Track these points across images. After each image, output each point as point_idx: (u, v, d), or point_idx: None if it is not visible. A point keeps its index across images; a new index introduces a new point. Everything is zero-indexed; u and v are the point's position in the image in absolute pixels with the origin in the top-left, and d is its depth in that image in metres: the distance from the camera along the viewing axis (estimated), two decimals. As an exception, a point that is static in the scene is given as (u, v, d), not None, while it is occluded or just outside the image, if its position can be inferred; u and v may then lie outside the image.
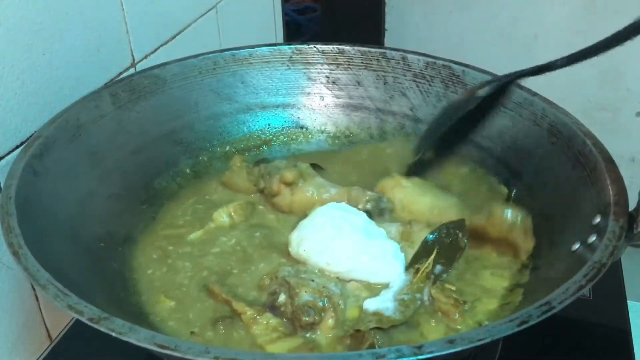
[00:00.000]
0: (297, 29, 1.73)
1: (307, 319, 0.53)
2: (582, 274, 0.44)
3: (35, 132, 0.63)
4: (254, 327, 0.54)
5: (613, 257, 0.46)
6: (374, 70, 0.80)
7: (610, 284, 0.51)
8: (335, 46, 0.81)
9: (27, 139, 0.63)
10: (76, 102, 0.66)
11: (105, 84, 0.72)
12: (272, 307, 0.56)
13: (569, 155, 0.62)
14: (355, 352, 0.38)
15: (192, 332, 0.54)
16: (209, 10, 0.98)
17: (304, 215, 0.65)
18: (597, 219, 0.52)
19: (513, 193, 0.69)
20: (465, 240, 0.61)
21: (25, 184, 0.54)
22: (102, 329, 0.40)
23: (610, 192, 0.53)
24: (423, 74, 0.78)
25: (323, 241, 0.59)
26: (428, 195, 0.68)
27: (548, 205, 0.62)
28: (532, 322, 0.40)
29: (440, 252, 0.59)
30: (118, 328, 0.40)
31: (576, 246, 0.52)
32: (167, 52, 0.86)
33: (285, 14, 1.33)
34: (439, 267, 0.58)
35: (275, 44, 0.81)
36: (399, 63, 0.79)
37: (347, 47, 0.81)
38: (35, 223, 0.52)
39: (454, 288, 0.57)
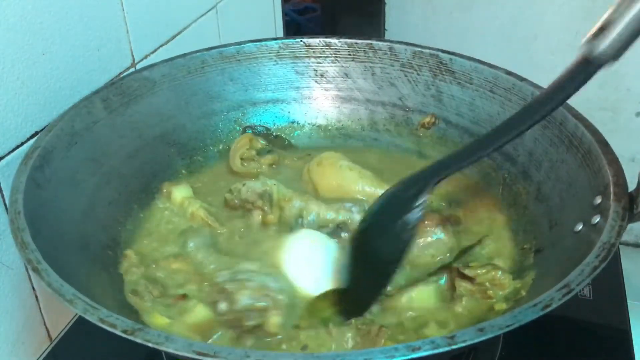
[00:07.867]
0: (297, 29, 1.71)
1: (250, 323, 0.52)
2: (594, 255, 0.46)
3: (34, 133, 0.63)
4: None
5: (619, 237, 0.48)
6: (362, 62, 0.81)
7: (610, 284, 0.50)
8: (321, 39, 0.81)
9: (27, 139, 0.63)
10: (69, 110, 0.65)
11: (105, 84, 0.71)
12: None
13: (561, 139, 0.64)
14: (391, 346, 0.39)
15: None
16: (209, 10, 0.97)
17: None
18: (598, 200, 0.54)
19: (505, 176, 0.71)
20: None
21: (30, 197, 0.54)
22: (138, 340, 0.40)
23: (609, 173, 0.54)
24: (411, 63, 0.78)
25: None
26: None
27: (544, 187, 0.64)
28: (554, 306, 0.42)
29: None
30: (154, 338, 0.40)
31: (579, 227, 0.54)
32: (167, 52, 0.85)
33: (285, 14, 1.32)
34: None
35: (261, 40, 0.81)
36: (386, 54, 0.80)
37: (333, 40, 0.81)
38: (44, 236, 0.52)
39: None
